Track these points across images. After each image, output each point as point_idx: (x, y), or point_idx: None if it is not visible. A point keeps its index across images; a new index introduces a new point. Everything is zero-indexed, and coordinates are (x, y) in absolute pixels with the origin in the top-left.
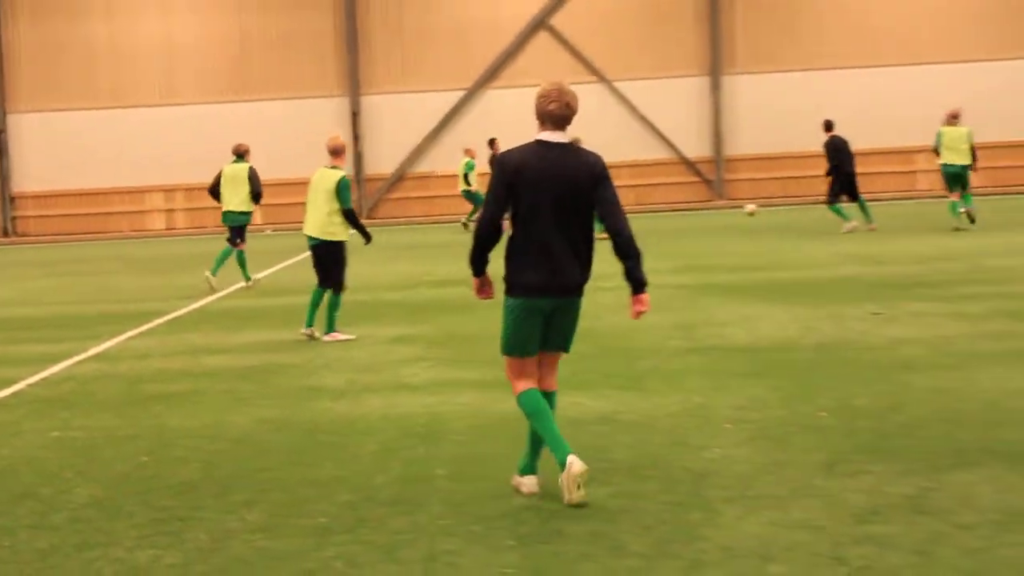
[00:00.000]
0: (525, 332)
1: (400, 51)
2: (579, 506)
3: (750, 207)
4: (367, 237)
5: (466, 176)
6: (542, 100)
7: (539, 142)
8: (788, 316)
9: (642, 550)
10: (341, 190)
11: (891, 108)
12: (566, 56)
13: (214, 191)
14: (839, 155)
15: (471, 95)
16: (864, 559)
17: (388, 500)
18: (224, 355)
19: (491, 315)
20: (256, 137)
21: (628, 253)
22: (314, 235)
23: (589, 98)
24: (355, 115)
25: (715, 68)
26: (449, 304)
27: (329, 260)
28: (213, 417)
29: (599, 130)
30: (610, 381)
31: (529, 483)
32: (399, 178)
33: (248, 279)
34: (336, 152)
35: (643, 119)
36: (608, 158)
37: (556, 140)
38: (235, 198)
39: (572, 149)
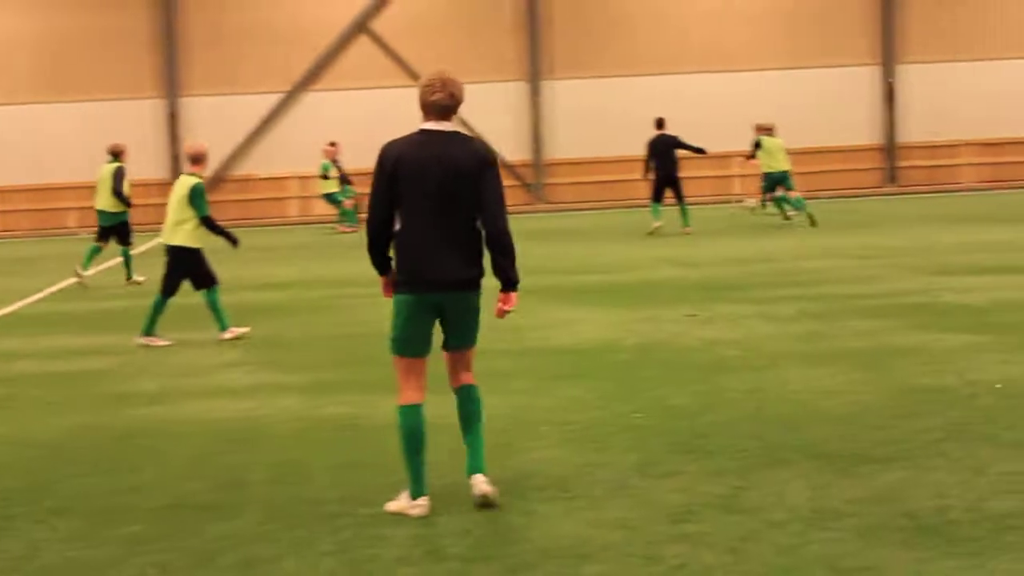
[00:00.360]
0: (412, 330)
1: (219, 52)
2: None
3: (750, 202)
4: (233, 241)
5: (324, 176)
6: (425, 90)
7: (421, 131)
8: (608, 319)
9: (461, 553)
10: (194, 197)
11: (706, 113)
12: (386, 60)
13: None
14: (654, 154)
15: (291, 98)
16: (679, 557)
17: (204, 506)
18: (36, 360)
19: (315, 320)
20: (68, 141)
21: (500, 248)
22: (167, 241)
23: (407, 103)
24: (173, 117)
25: (534, 73)
26: (271, 308)
27: (183, 267)
28: (25, 424)
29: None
30: (432, 384)
31: (419, 505)
32: (218, 181)
33: (130, 277)
34: (195, 159)
35: (462, 123)
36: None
37: (440, 129)
38: (101, 198)
39: (458, 138)
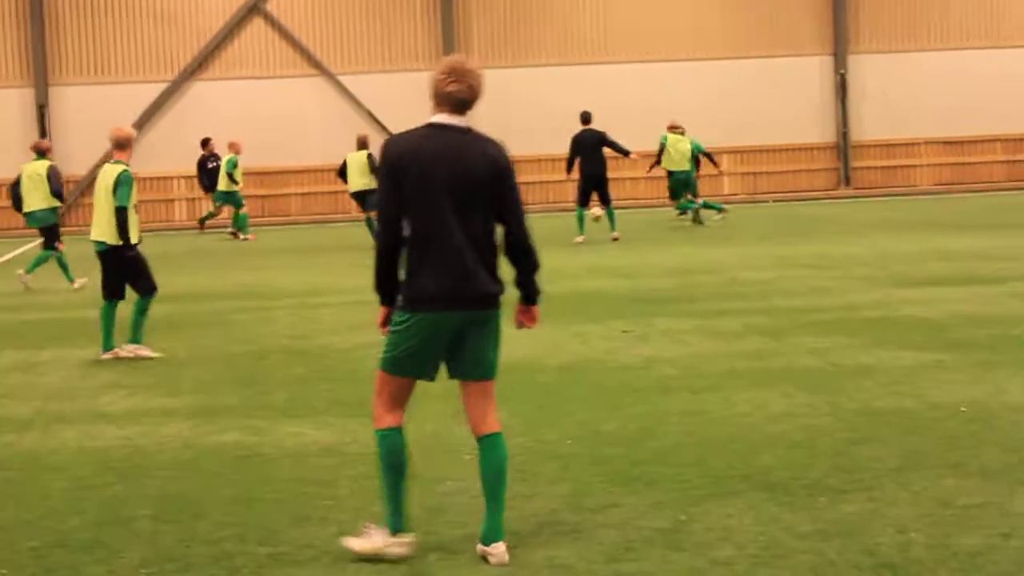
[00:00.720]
0: (415, 348)
1: (93, 36)
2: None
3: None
4: (126, 243)
5: (231, 174)
6: (441, 79)
7: (432, 125)
8: (531, 334)
9: None
10: (118, 186)
11: (639, 106)
12: (284, 46)
13: (16, 193)
14: (579, 151)
15: (176, 87)
16: None
17: (82, 545)
18: None
19: (204, 336)
20: None
21: (523, 257)
22: (101, 239)
23: (309, 93)
24: (41, 108)
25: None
26: (155, 323)
27: (122, 267)
28: None
29: (320, 128)
30: (334, 408)
31: (400, 543)
32: (91, 181)
33: (72, 280)
34: (121, 144)
35: (370, 116)
36: (331, 158)
37: (453, 124)
38: (35, 199)
39: (473, 136)
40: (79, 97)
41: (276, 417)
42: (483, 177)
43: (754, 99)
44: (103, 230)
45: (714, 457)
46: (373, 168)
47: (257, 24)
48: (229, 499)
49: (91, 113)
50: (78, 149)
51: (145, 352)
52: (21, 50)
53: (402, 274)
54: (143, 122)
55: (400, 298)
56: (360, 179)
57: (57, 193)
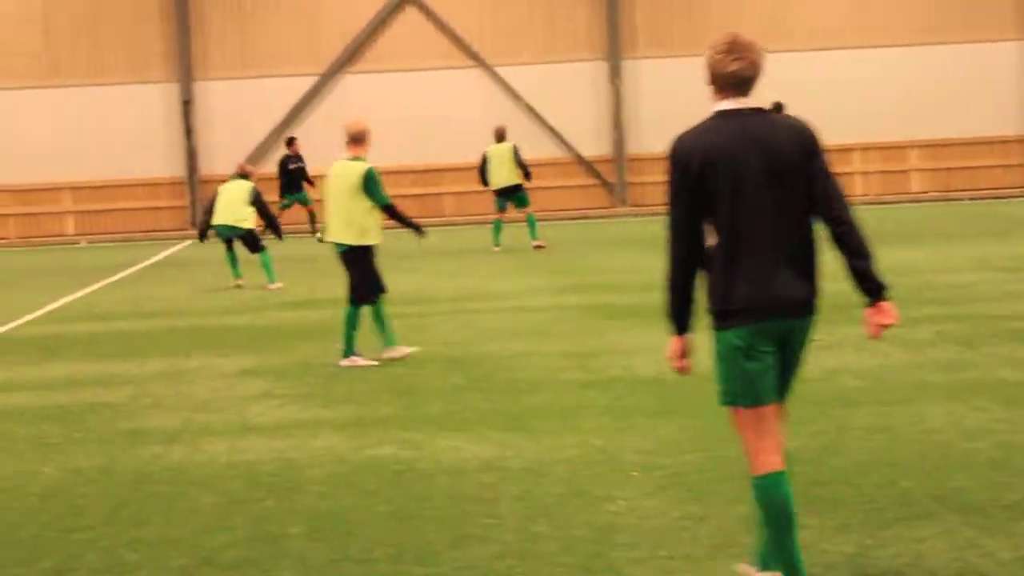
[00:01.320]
0: (756, 369)
1: (240, 28)
2: None
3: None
4: (419, 230)
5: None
6: (719, 59)
7: (722, 114)
8: (704, 343)
9: None
10: (369, 183)
11: (818, 99)
12: (438, 35)
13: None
14: None
15: (325, 81)
16: None
17: (231, 564)
18: (27, 392)
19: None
20: (63, 134)
21: (858, 246)
22: (342, 240)
23: (464, 85)
24: (186, 104)
25: (614, 51)
26: (303, 330)
27: (353, 268)
28: (15, 467)
29: (476, 123)
30: (492, 420)
31: None
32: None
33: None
34: (357, 139)
35: (530, 110)
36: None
37: (744, 107)
38: (230, 215)
39: (771, 116)
40: (225, 92)
41: (433, 430)
42: (796, 161)
43: (946, 88)
44: (342, 231)
45: (903, 477)
46: (519, 161)
47: (410, 13)
48: (384, 516)
49: (237, 109)
50: (223, 145)
51: (362, 362)
52: (165, 45)
53: (710, 290)
54: (291, 118)
55: (713, 318)
56: (505, 174)
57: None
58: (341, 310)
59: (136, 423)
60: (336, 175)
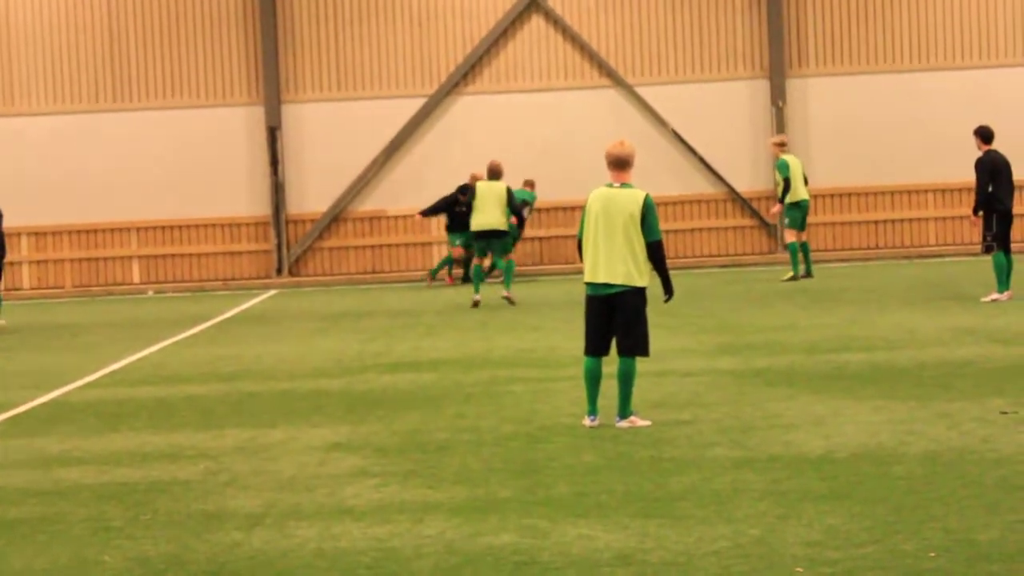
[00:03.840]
0: None
1: (335, 46)
2: None
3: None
4: (669, 290)
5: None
6: None
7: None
8: (880, 416)
9: None
10: (648, 215)
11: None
12: (568, 50)
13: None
14: (995, 176)
15: (436, 103)
16: None
17: None
18: (88, 467)
19: (466, 411)
20: (130, 165)
21: None
22: (611, 281)
23: (598, 107)
24: (273, 131)
25: (777, 67)
26: (407, 396)
27: (632, 314)
28: (72, 555)
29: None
30: (630, 505)
31: None
32: (334, 219)
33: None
34: (627, 163)
35: (675, 137)
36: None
37: None
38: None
39: None
40: (317, 116)
41: (559, 516)
42: None
43: None
44: (621, 270)
45: None
46: (513, 205)
47: (535, 25)
48: None
49: (331, 135)
50: (315, 177)
51: (641, 422)
52: (249, 62)
53: None
54: (396, 145)
55: None
56: (494, 217)
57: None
58: (450, 374)
59: (211, 504)
60: (609, 203)
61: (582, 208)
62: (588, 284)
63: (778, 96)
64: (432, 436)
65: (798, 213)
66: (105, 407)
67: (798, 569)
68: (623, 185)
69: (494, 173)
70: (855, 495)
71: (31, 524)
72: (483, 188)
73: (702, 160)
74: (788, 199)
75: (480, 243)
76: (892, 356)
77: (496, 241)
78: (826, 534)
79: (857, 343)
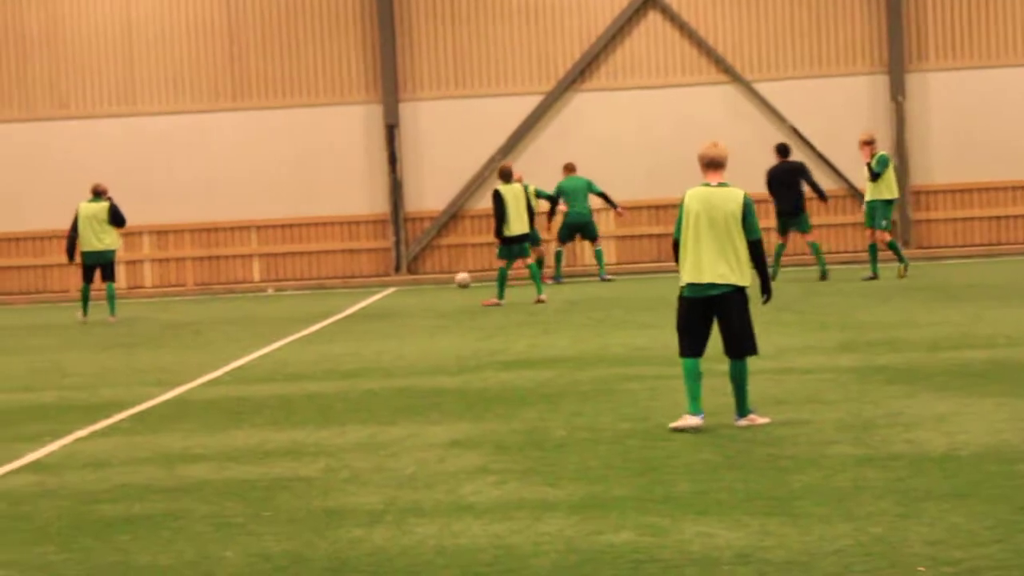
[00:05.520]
0: None
1: (453, 44)
2: None
3: (462, 276)
4: (768, 289)
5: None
6: None
7: None
8: (1003, 414)
9: None
10: (748, 214)
11: None
12: (685, 46)
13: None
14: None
15: (553, 100)
16: None
17: None
18: (211, 463)
19: (584, 408)
20: (250, 163)
21: None
22: (717, 281)
23: (715, 104)
24: (391, 128)
25: (897, 62)
26: (526, 394)
27: (737, 315)
28: (195, 552)
29: (731, 149)
30: (750, 503)
31: None
32: (452, 216)
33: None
34: (721, 164)
35: (794, 133)
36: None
37: None
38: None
39: None
40: (434, 113)
41: (679, 514)
42: None
43: None
44: (726, 269)
45: None
46: (530, 206)
47: (652, 21)
48: None
49: (449, 133)
50: (433, 176)
51: (760, 420)
52: (367, 60)
53: None
54: (513, 142)
55: None
56: (523, 221)
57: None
58: (567, 372)
59: (332, 501)
60: (709, 203)
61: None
62: (689, 285)
63: (897, 91)
64: (550, 434)
65: (890, 211)
66: (227, 404)
67: (920, 568)
68: (720, 184)
69: (509, 174)
70: (978, 493)
71: (155, 520)
72: (508, 192)
73: (821, 156)
74: (886, 196)
75: (514, 247)
76: (1015, 353)
77: (523, 244)
78: (948, 533)
79: (979, 340)
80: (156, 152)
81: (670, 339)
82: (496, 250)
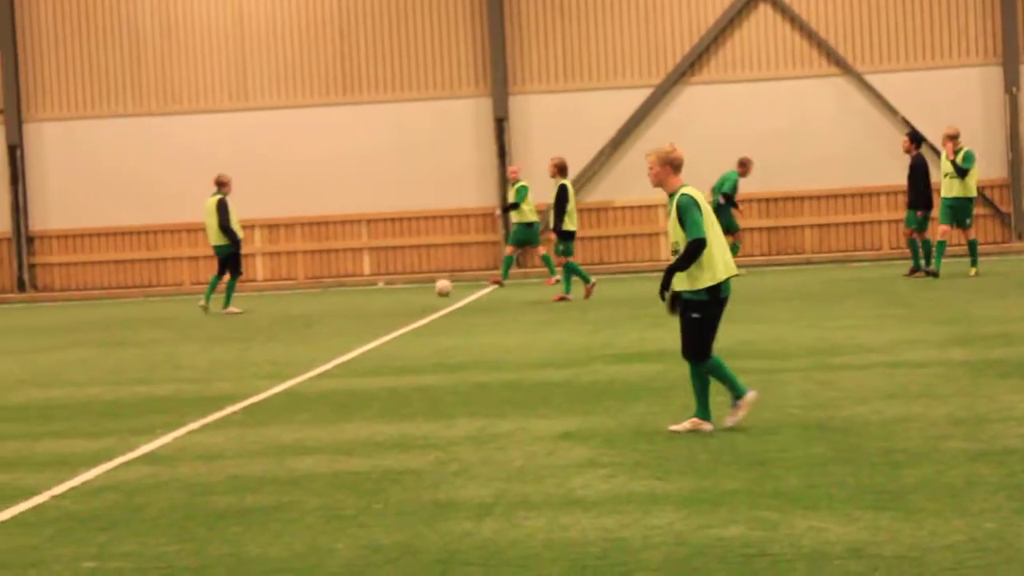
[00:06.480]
0: None
1: (562, 37)
2: None
3: (442, 283)
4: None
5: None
6: None
7: None
8: None
9: None
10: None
11: None
12: (796, 39)
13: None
14: None
15: (663, 93)
16: None
17: None
18: (322, 456)
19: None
20: (360, 157)
21: None
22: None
23: (826, 97)
24: (500, 122)
25: (1011, 53)
26: (633, 387)
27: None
28: (306, 543)
29: (842, 142)
30: (862, 497)
31: None
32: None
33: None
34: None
35: (907, 125)
36: (858, 179)
37: None
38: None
39: None
40: (544, 107)
41: (789, 508)
42: None
43: None
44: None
45: None
46: (559, 202)
47: (763, 13)
48: None
49: (557, 126)
50: (542, 169)
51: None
52: (476, 54)
53: None
54: (622, 136)
55: None
56: (575, 217)
57: (223, 228)
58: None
59: (442, 494)
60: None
61: (798, 198)
62: (723, 284)
63: (1012, 82)
64: (660, 427)
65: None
66: (337, 397)
67: None
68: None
69: (567, 169)
70: None
71: (266, 512)
72: (571, 188)
73: (933, 148)
74: (972, 193)
75: (573, 242)
76: None
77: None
78: None
79: None
80: (267, 146)
81: (779, 332)
82: (558, 246)
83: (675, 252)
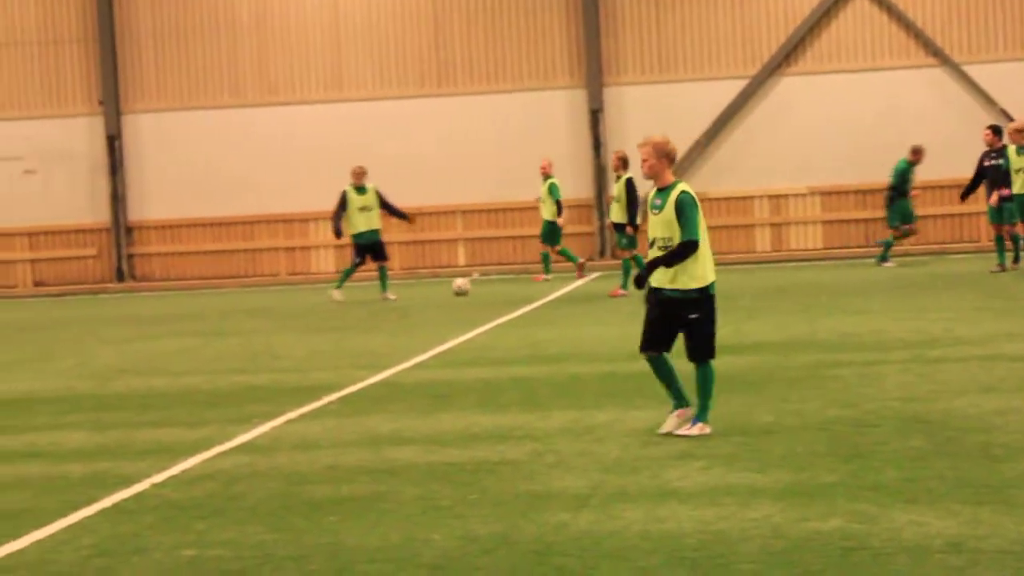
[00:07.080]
0: None
1: (656, 29)
2: None
3: (460, 281)
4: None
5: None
6: None
7: None
8: None
9: None
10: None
11: None
12: (893, 29)
13: None
14: None
15: (758, 84)
16: None
17: None
18: (418, 446)
19: (791, 394)
20: (455, 149)
21: None
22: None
23: (923, 88)
24: (595, 113)
25: None
26: (729, 379)
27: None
28: (404, 533)
29: (941, 134)
30: (961, 491)
31: None
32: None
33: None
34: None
35: (1006, 117)
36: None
37: None
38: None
39: None
40: (638, 98)
41: (888, 501)
42: None
43: None
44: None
45: None
46: (632, 196)
47: (859, 3)
48: None
49: (652, 117)
50: (637, 160)
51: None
52: (571, 45)
53: None
54: (718, 127)
55: None
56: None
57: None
58: (773, 357)
59: (538, 485)
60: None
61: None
62: (712, 284)
63: None
64: (756, 419)
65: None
66: (434, 388)
67: None
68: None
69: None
70: None
71: (363, 502)
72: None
73: None
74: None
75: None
76: None
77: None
78: None
79: None
80: (362, 137)
81: (880, 324)
82: (621, 240)
83: (663, 247)
